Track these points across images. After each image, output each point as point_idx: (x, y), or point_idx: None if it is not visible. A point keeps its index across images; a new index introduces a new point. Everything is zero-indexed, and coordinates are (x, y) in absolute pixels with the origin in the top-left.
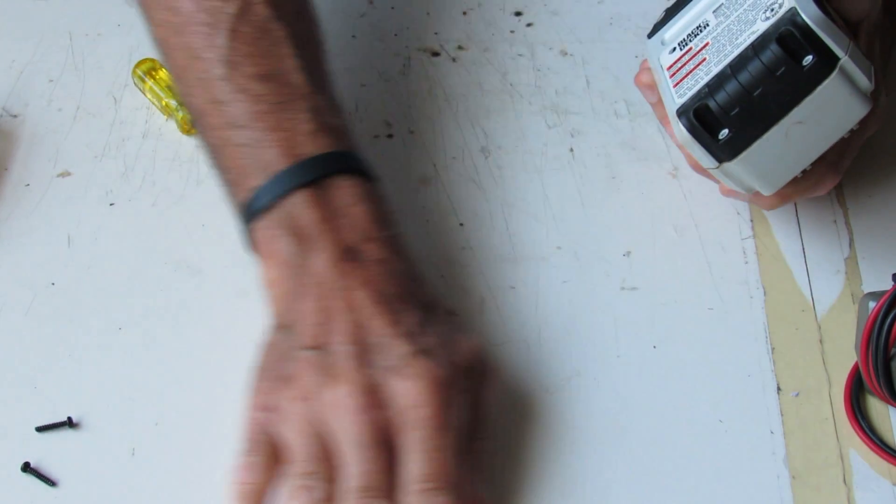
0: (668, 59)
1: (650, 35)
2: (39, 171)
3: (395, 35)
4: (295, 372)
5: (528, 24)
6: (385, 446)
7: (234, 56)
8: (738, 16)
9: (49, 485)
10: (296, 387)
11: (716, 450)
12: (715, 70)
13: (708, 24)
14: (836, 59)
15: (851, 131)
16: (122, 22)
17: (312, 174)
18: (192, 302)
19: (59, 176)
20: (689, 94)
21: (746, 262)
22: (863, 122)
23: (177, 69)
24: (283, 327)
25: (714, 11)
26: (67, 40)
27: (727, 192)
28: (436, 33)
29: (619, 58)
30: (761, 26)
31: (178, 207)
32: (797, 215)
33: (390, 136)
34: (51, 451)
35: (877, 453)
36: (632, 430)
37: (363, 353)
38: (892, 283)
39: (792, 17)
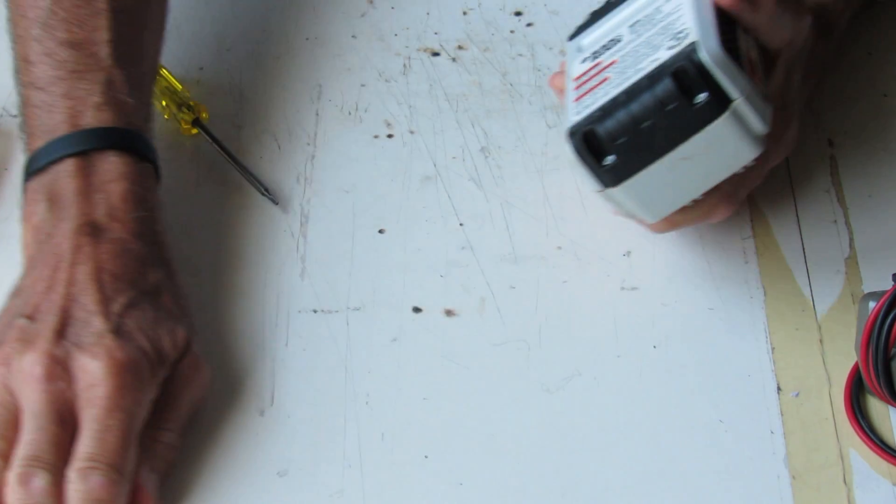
0: (578, 68)
1: (571, 37)
2: None
3: (395, 35)
4: (5, 338)
5: (528, 24)
6: (64, 419)
7: (52, 20)
8: (647, 38)
9: None
10: (0, 352)
11: (716, 450)
12: (612, 93)
13: (621, 39)
14: (730, 100)
15: (747, 167)
16: None
17: (84, 145)
18: (191, 302)
19: None
20: (584, 113)
21: (746, 262)
22: (765, 156)
23: (9, 23)
24: (17, 293)
25: (630, 26)
26: None
27: (617, 212)
28: (436, 33)
29: None
30: (663, 55)
31: (178, 207)
32: (797, 215)
33: (390, 136)
34: None
35: (877, 453)
36: (632, 430)
37: (64, 326)
38: (893, 283)
39: (690, 53)
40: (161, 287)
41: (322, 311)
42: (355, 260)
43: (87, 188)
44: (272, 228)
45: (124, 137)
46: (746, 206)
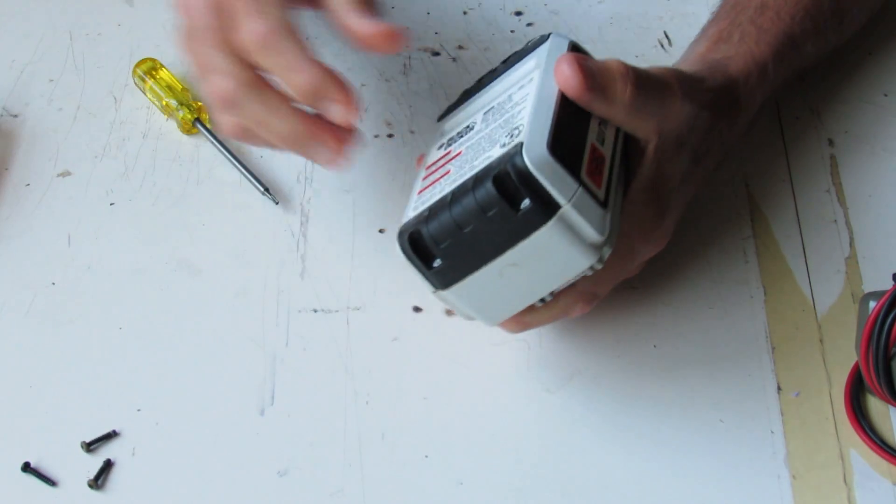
0: (434, 155)
1: (441, 117)
2: (39, 171)
3: None
4: None
5: (529, 24)
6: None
7: None
8: (491, 130)
9: (49, 485)
10: None
11: (716, 450)
12: (446, 189)
13: (473, 127)
14: (556, 206)
15: (593, 269)
16: (122, 22)
17: None
18: (192, 302)
19: (59, 176)
20: (418, 210)
21: (746, 262)
22: (631, 252)
23: None
24: None
25: (484, 113)
26: (67, 40)
27: (454, 313)
28: (436, 33)
29: (619, 58)
30: (495, 153)
31: (178, 207)
32: (797, 215)
33: (391, 135)
34: (51, 451)
35: (877, 453)
36: (632, 430)
37: None
38: (893, 282)
39: (513, 156)
40: None
41: (322, 310)
42: (355, 260)
43: None
44: (272, 228)
45: None
46: (747, 205)
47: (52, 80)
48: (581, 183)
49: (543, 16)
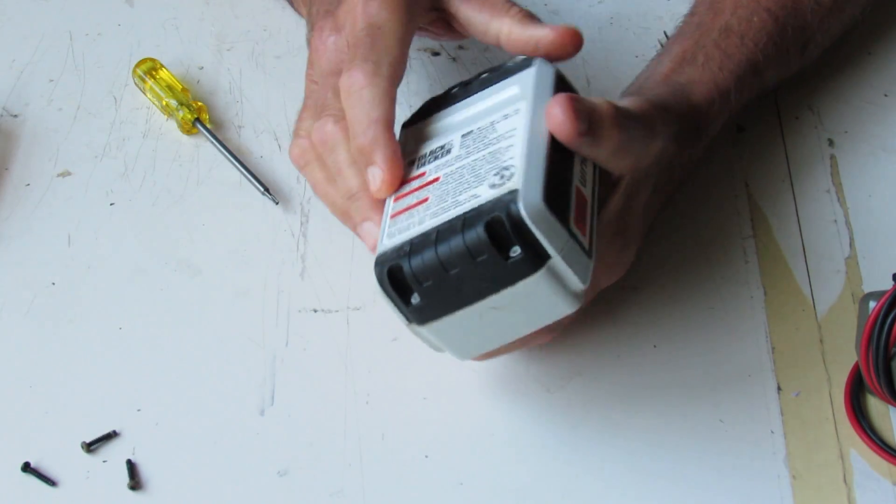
0: (406, 171)
1: (406, 124)
2: (39, 171)
3: None
4: None
5: None
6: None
7: None
8: (474, 161)
9: (49, 485)
10: None
11: (716, 450)
12: (426, 224)
13: (450, 151)
14: (546, 257)
15: None
16: (122, 22)
17: None
18: (192, 302)
19: (59, 176)
20: (396, 240)
21: (746, 262)
22: (594, 281)
23: None
24: None
25: (462, 136)
26: (67, 40)
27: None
28: None
29: (619, 58)
30: (484, 194)
31: (178, 207)
32: (797, 215)
33: None
34: (51, 451)
35: (877, 453)
36: (632, 430)
37: None
38: (893, 282)
39: (508, 203)
40: None
41: (322, 310)
42: (355, 259)
43: None
44: (272, 228)
45: None
46: (747, 205)
47: (52, 80)
48: (570, 233)
49: (544, 16)
